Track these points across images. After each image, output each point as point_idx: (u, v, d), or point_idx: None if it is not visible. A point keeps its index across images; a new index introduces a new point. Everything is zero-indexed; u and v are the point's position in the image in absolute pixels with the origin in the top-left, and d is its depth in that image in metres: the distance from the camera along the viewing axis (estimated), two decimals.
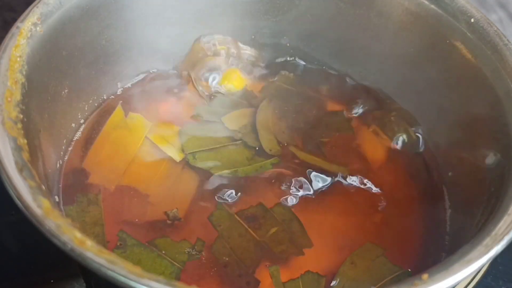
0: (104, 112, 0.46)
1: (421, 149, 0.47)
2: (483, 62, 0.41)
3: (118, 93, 0.47)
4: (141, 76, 0.49)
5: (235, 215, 0.40)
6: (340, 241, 0.40)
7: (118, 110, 0.46)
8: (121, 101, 0.46)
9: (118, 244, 0.38)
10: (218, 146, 0.44)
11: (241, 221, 0.40)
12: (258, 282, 0.37)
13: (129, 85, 0.48)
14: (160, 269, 0.37)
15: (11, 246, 0.42)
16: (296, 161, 0.44)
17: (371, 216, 0.42)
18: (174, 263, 0.37)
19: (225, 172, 0.42)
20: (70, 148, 0.43)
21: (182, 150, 0.43)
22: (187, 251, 0.38)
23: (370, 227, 0.41)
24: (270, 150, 0.45)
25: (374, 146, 0.47)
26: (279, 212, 0.41)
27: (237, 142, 0.44)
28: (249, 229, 0.39)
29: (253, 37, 0.51)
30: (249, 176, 0.42)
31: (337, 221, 0.41)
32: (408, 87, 0.48)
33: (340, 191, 0.43)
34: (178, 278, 0.36)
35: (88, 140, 0.44)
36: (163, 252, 0.38)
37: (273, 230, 0.39)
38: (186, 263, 0.37)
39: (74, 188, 0.41)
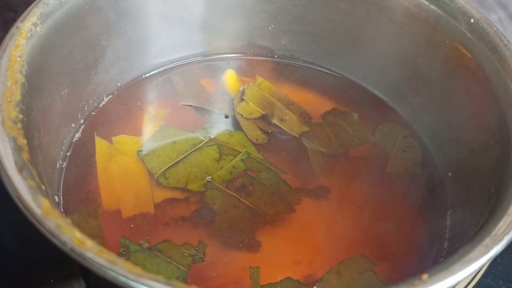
0: (104, 113, 0.46)
1: (420, 151, 0.47)
2: (483, 62, 0.41)
3: (117, 93, 0.47)
4: (141, 77, 0.49)
5: (226, 190, 0.42)
6: (333, 248, 0.40)
7: (99, 142, 0.44)
8: (95, 132, 0.44)
9: (121, 251, 0.38)
10: (182, 156, 0.43)
11: (232, 193, 0.41)
12: (260, 243, 0.39)
13: (128, 85, 0.48)
14: (166, 274, 0.37)
15: (11, 246, 0.42)
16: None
17: (367, 221, 0.42)
18: (180, 267, 0.37)
19: (202, 184, 0.42)
20: (70, 149, 0.43)
21: (152, 173, 0.42)
22: (192, 254, 0.38)
23: (365, 233, 0.41)
24: (257, 140, 0.45)
25: (370, 149, 0.47)
26: (265, 177, 0.43)
27: (199, 145, 0.44)
28: (242, 199, 0.41)
29: (252, 37, 0.51)
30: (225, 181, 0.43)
31: (332, 227, 0.41)
32: (408, 87, 0.48)
33: (336, 197, 0.43)
34: (185, 282, 0.36)
35: (88, 141, 0.44)
36: (167, 256, 0.38)
37: (263, 195, 0.42)
38: (191, 266, 0.37)
39: (75, 190, 0.41)
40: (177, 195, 0.41)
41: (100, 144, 0.44)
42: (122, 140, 0.44)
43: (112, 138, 0.44)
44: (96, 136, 0.44)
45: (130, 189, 0.41)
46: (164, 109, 0.47)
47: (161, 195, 0.41)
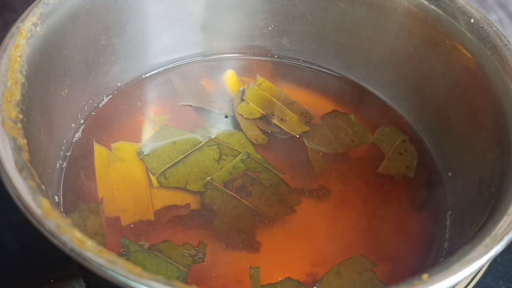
0: (104, 113, 0.46)
1: (417, 156, 0.47)
2: (483, 62, 0.41)
3: (117, 93, 0.47)
4: (141, 77, 0.49)
5: (226, 190, 0.42)
6: (333, 248, 0.40)
7: (98, 149, 0.43)
8: (94, 138, 0.44)
9: (121, 251, 0.38)
10: (182, 156, 0.43)
11: (232, 194, 0.41)
12: (259, 243, 0.39)
13: (128, 85, 0.48)
14: (166, 274, 0.37)
15: (11, 246, 0.42)
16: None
17: (367, 221, 0.41)
18: (180, 267, 0.37)
19: (202, 184, 0.42)
20: (70, 149, 0.43)
21: (152, 173, 0.42)
22: (192, 254, 0.38)
23: (365, 233, 0.41)
24: (256, 140, 0.45)
25: (370, 150, 0.47)
26: (265, 178, 0.43)
27: (199, 145, 0.44)
28: (242, 200, 0.41)
29: (252, 37, 0.51)
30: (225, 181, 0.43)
31: (332, 227, 0.41)
32: (408, 87, 0.48)
33: (336, 197, 0.43)
34: (185, 282, 0.36)
35: (88, 141, 0.43)
36: (167, 256, 0.38)
37: (263, 195, 0.42)
38: (191, 266, 0.37)
39: (75, 190, 0.41)
40: (178, 201, 0.41)
41: (98, 151, 0.43)
42: (121, 146, 0.44)
43: (111, 144, 0.44)
44: (94, 143, 0.43)
45: (130, 196, 0.41)
46: (164, 113, 0.47)
47: (161, 202, 0.41)
